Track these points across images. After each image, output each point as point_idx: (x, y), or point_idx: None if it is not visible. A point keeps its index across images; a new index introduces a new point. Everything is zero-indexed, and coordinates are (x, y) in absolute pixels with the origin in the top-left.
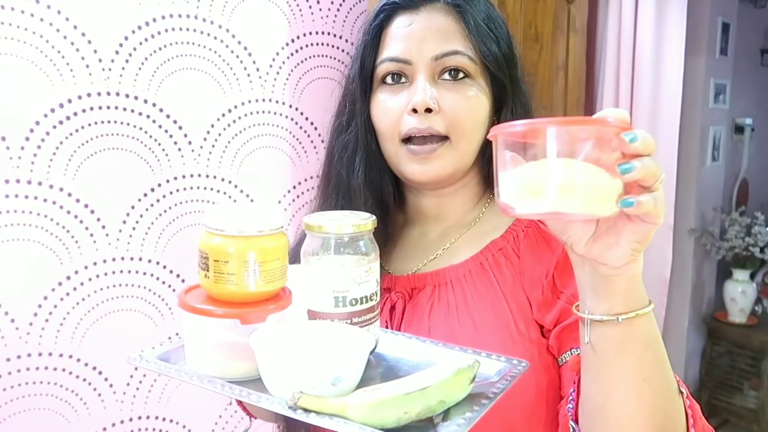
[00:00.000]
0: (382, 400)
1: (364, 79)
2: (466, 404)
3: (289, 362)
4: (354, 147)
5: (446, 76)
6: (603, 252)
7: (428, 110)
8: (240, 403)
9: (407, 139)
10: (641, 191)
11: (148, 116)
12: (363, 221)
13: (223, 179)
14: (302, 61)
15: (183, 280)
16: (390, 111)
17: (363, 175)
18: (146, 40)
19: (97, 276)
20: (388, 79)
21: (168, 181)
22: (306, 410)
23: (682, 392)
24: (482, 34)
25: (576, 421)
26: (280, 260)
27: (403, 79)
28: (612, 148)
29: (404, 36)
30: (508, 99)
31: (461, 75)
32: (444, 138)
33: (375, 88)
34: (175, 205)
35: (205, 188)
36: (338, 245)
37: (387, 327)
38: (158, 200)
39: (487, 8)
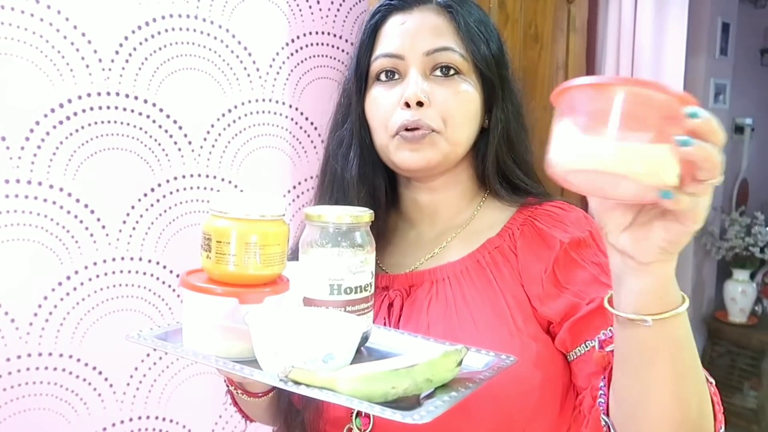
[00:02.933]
0: (370, 374)
1: (359, 77)
2: (452, 386)
3: (281, 338)
4: (349, 142)
5: (438, 72)
6: (631, 244)
7: (420, 104)
8: (236, 404)
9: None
10: (695, 184)
11: (148, 116)
12: (360, 213)
13: (223, 179)
14: (302, 61)
15: None
16: (383, 105)
17: (357, 169)
18: (146, 40)
19: (97, 276)
20: (382, 76)
21: (168, 181)
22: (296, 383)
23: (710, 381)
24: (472, 34)
25: (608, 415)
26: (280, 246)
27: (396, 76)
28: (680, 126)
29: (398, 33)
30: (498, 99)
31: (452, 72)
32: (435, 130)
33: (369, 86)
34: (175, 205)
35: (205, 188)
36: (336, 235)
37: (385, 323)
38: (158, 200)
39: (479, 13)
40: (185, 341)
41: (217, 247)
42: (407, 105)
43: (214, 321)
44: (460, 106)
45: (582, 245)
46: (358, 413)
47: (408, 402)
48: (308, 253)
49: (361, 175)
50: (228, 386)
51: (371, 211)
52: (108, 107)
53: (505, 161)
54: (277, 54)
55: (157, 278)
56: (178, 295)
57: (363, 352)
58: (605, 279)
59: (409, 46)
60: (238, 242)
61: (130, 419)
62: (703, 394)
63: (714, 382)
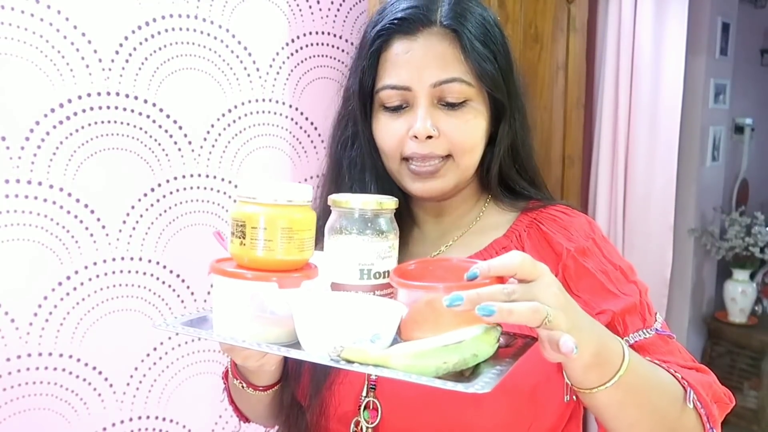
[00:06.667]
0: (423, 350)
1: (363, 101)
2: (492, 362)
3: (330, 320)
4: (362, 166)
5: (445, 102)
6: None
7: (429, 137)
8: (232, 402)
9: (407, 158)
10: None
11: (148, 116)
12: (387, 199)
13: (223, 179)
14: (302, 61)
15: (183, 280)
16: (391, 134)
17: (375, 190)
18: (146, 40)
19: (97, 276)
20: (390, 106)
21: (168, 181)
22: (349, 361)
23: (691, 396)
24: (479, 55)
25: None
26: (311, 231)
27: (404, 105)
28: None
29: (403, 63)
30: (506, 113)
31: (459, 102)
32: (446, 156)
33: (376, 109)
34: (175, 205)
35: (205, 188)
36: (364, 221)
37: None
38: (158, 200)
39: (483, 21)
40: (217, 328)
41: (252, 233)
42: (416, 137)
43: (250, 307)
44: (468, 135)
45: (587, 253)
46: (366, 406)
47: (454, 377)
48: (337, 239)
49: (381, 192)
50: (226, 383)
51: (396, 199)
52: (108, 107)
53: (508, 173)
54: (277, 54)
55: (157, 278)
56: (179, 295)
57: None
58: (612, 287)
59: (416, 78)
60: (274, 227)
61: (130, 419)
62: (675, 418)
63: (696, 396)
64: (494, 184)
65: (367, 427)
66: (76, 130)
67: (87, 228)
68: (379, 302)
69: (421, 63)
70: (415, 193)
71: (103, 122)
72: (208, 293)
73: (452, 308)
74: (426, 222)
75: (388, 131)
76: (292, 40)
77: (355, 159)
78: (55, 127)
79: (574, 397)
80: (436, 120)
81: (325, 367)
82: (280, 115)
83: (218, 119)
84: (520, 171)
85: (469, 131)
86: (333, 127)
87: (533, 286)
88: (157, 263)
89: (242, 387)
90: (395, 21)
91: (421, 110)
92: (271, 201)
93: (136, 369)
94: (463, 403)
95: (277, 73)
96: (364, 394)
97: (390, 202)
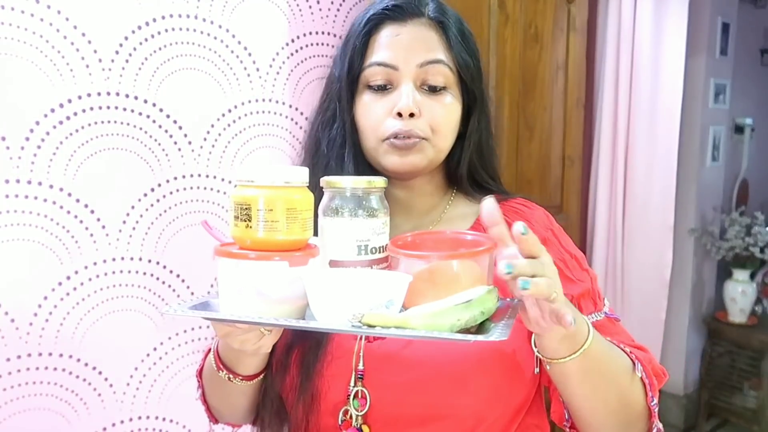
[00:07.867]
0: (438, 310)
1: (350, 80)
2: (494, 320)
3: (347, 290)
4: (342, 143)
5: (427, 85)
6: (524, 321)
7: (411, 114)
8: (205, 401)
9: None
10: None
11: (148, 116)
12: (377, 179)
13: (223, 179)
14: (302, 61)
15: (183, 280)
16: (374, 113)
17: (353, 168)
18: (146, 40)
19: (97, 276)
20: (374, 84)
21: (168, 181)
22: (370, 326)
23: (634, 363)
24: (460, 48)
25: None
26: (311, 211)
27: (388, 86)
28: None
29: (392, 44)
30: (476, 109)
31: (441, 85)
32: (424, 138)
33: (360, 90)
34: (175, 205)
35: (205, 188)
36: (357, 199)
37: None
38: (158, 200)
39: (461, 26)
40: (224, 311)
41: (257, 215)
42: (399, 115)
43: (260, 286)
44: (446, 118)
45: (547, 243)
46: (356, 395)
47: (463, 333)
48: (332, 218)
49: (358, 174)
50: (200, 380)
51: (385, 178)
52: (108, 107)
53: (476, 166)
54: (277, 54)
55: (157, 278)
56: (179, 295)
57: None
58: (569, 274)
59: (403, 58)
60: (279, 208)
61: (130, 419)
62: (625, 391)
63: (642, 368)
64: (464, 175)
65: (357, 415)
66: (76, 130)
67: (87, 228)
68: (385, 273)
69: (408, 45)
70: (392, 168)
71: (103, 122)
72: (208, 293)
73: (502, 274)
74: (397, 214)
75: (371, 111)
76: (292, 40)
77: (335, 138)
78: (55, 127)
79: (547, 366)
80: (419, 101)
81: (316, 352)
82: (280, 115)
83: (218, 119)
84: (484, 167)
85: (447, 115)
86: (314, 111)
87: (544, 264)
88: (157, 263)
89: (228, 379)
90: (388, 8)
91: (406, 88)
92: (272, 183)
93: (136, 369)
94: (448, 384)
95: (277, 73)
96: (352, 384)
97: (380, 181)
